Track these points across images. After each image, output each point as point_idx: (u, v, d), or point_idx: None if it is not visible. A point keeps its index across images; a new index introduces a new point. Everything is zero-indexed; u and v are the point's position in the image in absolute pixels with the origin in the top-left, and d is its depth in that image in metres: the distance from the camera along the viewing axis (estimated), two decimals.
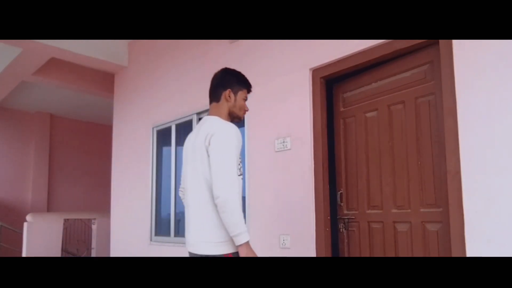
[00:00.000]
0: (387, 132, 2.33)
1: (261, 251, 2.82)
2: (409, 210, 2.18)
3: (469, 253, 1.78)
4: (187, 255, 3.90)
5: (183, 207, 4.08)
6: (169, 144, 3.97)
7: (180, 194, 1.94)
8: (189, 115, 3.67)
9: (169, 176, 3.92)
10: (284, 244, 2.66)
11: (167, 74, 4.00)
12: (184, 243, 3.73)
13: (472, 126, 1.82)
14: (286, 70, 2.77)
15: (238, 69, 3.24)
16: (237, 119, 1.81)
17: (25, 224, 4.89)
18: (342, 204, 2.57)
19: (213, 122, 1.69)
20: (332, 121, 2.67)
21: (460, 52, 1.89)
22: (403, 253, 2.19)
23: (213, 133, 1.60)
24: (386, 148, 2.33)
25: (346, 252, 2.51)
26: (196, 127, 1.81)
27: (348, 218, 2.52)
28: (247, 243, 1.55)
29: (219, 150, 1.58)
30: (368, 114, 2.45)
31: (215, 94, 1.78)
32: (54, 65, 4.81)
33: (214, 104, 1.78)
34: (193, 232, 1.67)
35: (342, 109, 2.63)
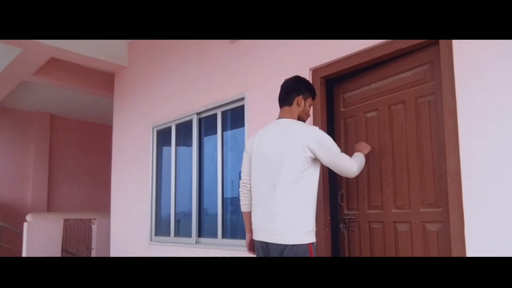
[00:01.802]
0: (387, 132, 2.33)
1: None
2: (409, 210, 2.18)
3: (469, 253, 1.78)
4: (186, 255, 3.89)
5: (183, 207, 4.10)
6: (169, 144, 3.97)
7: (244, 189, 2.07)
8: (189, 115, 3.67)
9: (169, 176, 3.92)
10: None
11: (167, 74, 4.00)
12: (184, 243, 3.73)
13: (472, 126, 1.82)
14: (286, 70, 2.77)
15: (238, 69, 3.25)
16: (301, 122, 2.00)
17: (25, 224, 4.89)
18: (342, 204, 2.57)
19: (301, 126, 1.89)
20: (332, 121, 2.67)
21: (460, 52, 1.89)
22: (403, 253, 2.18)
23: (315, 136, 1.84)
24: (386, 148, 2.33)
25: (346, 252, 2.51)
26: (272, 128, 1.96)
27: (348, 218, 2.51)
28: (362, 153, 2.08)
29: (331, 149, 1.85)
30: (369, 114, 2.45)
31: (288, 99, 1.98)
32: (54, 65, 4.81)
33: (286, 107, 1.98)
34: (282, 225, 1.80)
35: (342, 109, 2.62)
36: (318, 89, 2.57)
